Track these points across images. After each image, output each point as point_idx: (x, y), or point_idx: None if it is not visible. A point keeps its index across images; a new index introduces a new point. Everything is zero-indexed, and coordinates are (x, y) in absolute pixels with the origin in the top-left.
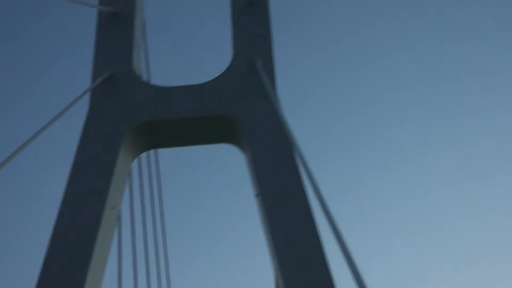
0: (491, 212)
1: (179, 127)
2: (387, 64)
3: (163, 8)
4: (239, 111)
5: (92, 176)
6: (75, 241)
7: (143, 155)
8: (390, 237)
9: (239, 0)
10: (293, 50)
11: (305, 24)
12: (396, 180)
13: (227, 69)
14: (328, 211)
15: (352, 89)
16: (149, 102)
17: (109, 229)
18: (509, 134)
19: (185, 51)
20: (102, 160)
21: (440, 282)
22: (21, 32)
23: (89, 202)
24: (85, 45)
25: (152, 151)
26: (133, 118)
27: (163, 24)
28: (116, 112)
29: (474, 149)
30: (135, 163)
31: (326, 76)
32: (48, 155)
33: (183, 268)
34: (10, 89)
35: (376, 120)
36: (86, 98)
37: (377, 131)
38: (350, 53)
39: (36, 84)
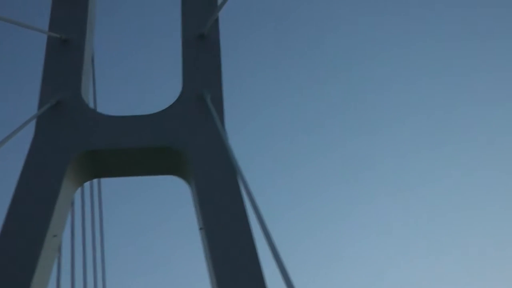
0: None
1: (124, 157)
2: (337, 87)
3: (114, 37)
4: (185, 143)
5: (34, 203)
6: (14, 268)
7: (86, 184)
8: (336, 266)
9: (190, 33)
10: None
11: (257, 57)
12: (345, 210)
13: (176, 101)
14: (274, 247)
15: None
16: (95, 131)
17: (50, 257)
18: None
19: (135, 81)
20: (45, 187)
21: None
22: None
23: (30, 229)
24: (33, 70)
25: (95, 180)
26: (79, 146)
27: (114, 53)
28: (62, 139)
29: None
30: (78, 192)
31: (270, 99)
32: None
33: None
34: None
35: (318, 144)
36: (32, 125)
37: (320, 155)
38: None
39: None
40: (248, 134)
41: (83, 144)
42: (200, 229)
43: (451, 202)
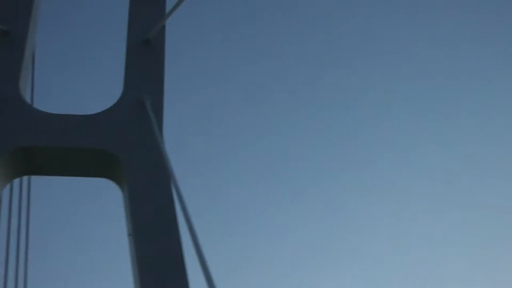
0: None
1: (57, 156)
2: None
3: (59, 35)
4: (120, 147)
5: None
6: None
7: (16, 181)
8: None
9: (135, 37)
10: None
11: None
12: (280, 226)
13: (115, 104)
14: (203, 258)
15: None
16: (30, 127)
17: None
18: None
19: (76, 81)
20: None
21: None
22: None
23: None
24: None
25: (25, 178)
26: (11, 141)
27: (57, 50)
28: None
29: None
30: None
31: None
32: None
33: None
34: None
35: (259, 155)
36: None
37: (260, 163)
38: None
39: None
40: (187, 141)
41: (16, 139)
42: (129, 235)
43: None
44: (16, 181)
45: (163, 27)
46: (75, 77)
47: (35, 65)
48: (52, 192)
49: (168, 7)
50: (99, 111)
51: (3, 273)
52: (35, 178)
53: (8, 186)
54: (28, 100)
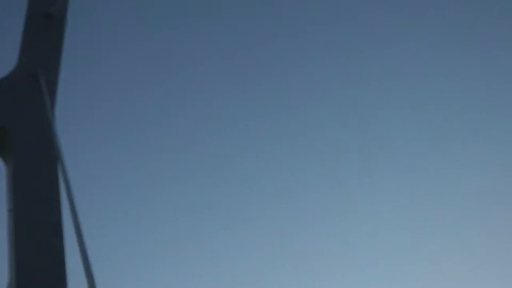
0: None
1: None
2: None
3: None
4: (8, 120)
5: None
6: None
7: None
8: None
9: (36, 9)
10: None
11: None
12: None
13: (6, 75)
14: (82, 242)
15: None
16: None
17: None
18: None
19: None
20: None
21: None
22: None
23: None
24: None
25: None
26: None
27: None
28: None
29: None
30: None
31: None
32: None
33: None
34: None
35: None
36: None
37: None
38: None
39: None
40: (81, 124)
41: None
42: (9, 210)
43: None
44: None
45: (67, 1)
46: None
47: None
48: None
49: None
50: None
51: None
52: None
53: None
54: None
